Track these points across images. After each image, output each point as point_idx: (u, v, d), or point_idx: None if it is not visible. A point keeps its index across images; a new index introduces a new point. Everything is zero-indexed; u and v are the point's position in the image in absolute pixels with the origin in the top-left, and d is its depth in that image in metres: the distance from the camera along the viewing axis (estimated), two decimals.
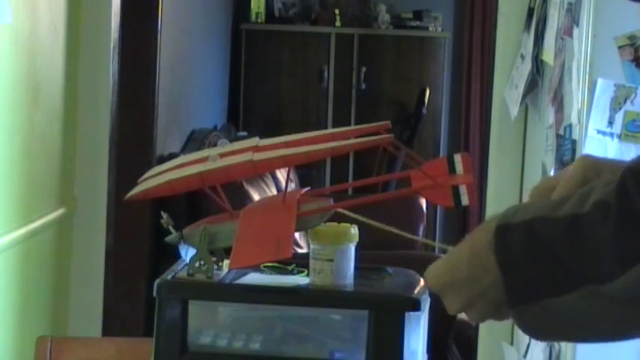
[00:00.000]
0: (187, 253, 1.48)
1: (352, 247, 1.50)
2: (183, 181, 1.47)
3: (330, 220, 1.49)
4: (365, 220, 1.51)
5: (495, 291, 1.16)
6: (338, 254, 1.48)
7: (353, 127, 1.47)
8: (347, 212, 1.50)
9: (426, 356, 1.54)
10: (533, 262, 1.13)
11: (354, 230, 1.50)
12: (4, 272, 2.89)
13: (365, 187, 1.62)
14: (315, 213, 1.48)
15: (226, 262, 1.52)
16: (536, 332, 1.24)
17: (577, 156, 2.50)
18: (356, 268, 1.57)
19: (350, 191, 4.52)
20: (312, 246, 1.48)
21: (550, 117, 2.83)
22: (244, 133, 6.28)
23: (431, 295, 1.53)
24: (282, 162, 1.46)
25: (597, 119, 2.44)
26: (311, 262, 1.49)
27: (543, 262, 1.13)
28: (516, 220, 1.15)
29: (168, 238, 1.49)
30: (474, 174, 1.44)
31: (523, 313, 1.19)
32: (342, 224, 1.50)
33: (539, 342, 2.85)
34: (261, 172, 1.47)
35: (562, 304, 1.16)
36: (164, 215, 1.47)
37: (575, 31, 2.55)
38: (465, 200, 1.44)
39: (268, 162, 1.45)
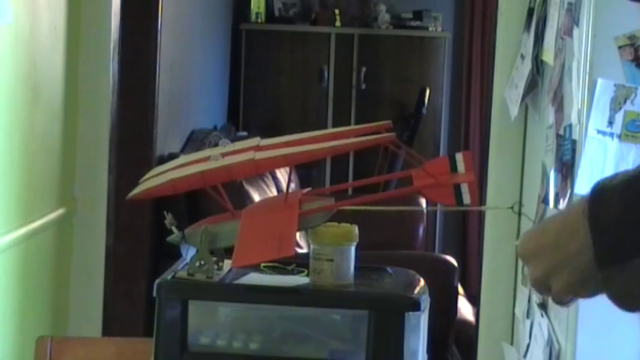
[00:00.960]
0: (188, 252, 1.48)
1: (352, 248, 1.50)
2: (184, 180, 1.47)
3: (331, 219, 1.49)
4: (367, 207, 1.50)
5: (581, 258, 1.13)
6: (338, 254, 1.48)
7: (354, 126, 1.46)
8: (349, 207, 1.50)
9: (426, 356, 1.54)
10: (629, 218, 1.10)
11: (355, 231, 1.50)
12: (4, 272, 2.89)
13: (365, 188, 1.62)
14: (317, 212, 1.48)
15: (227, 261, 1.52)
16: (626, 298, 1.17)
17: (577, 156, 2.50)
18: (356, 268, 1.57)
19: (350, 191, 4.52)
20: (312, 246, 1.48)
21: (550, 117, 2.83)
22: (244, 133, 6.28)
23: (431, 295, 1.53)
24: (283, 161, 1.46)
25: (597, 119, 2.44)
26: (311, 262, 1.48)
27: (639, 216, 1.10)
28: (614, 182, 1.13)
29: (169, 238, 1.49)
30: (475, 173, 1.43)
31: (613, 277, 1.14)
32: (343, 224, 1.50)
33: (538, 343, 2.84)
34: (262, 171, 1.47)
35: None
36: (168, 215, 1.47)
37: (575, 31, 2.55)
38: (466, 199, 1.44)
39: (269, 161, 1.45)
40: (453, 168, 1.44)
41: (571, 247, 1.14)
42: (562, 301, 1.21)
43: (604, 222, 1.12)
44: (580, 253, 1.14)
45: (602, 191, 1.13)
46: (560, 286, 1.17)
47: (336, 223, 1.49)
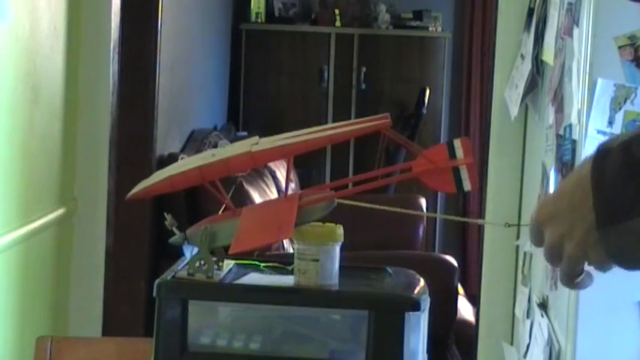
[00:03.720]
0: (192, 253, 1.48)
1: (337, 247, 1.49)
2: (182, 176, 1.47)
3: (331, 218, 1.49)
4: (368, 205, 1.50)
5: (590, 218, 1.13)
6: (323, 254, 1.47)
7: (352, 120, 1.46)
8: (348, 207, 1.50)
9: (426, 356, 1.54)
10: (627, 179, 1.10)
11: (339, 230, 1.50)
12: (4, 272, 2.89)
13: (365, 183, 1.61)
14: (317, 202, 1.48)
15: (227, 262, 1.52)
16: (623, 257, 1.16)
17: (577, 156, 2.50)
18: (356, 268, 1.57)
19: (350, 187, 4.52)
20: (297, 246, 1.48)
21: (550, 117, 2.83)
22: (244, 133, 6.28)
23: (431, 295, 1.52)
24: (280, 152, 1.46)
25: (597, 119, 2.44)
26: (296, 262, 1.48)
27: (637, 178, 1.10)
28: (616, 143, 1.13)
29: (172, 240, 1.49)
30: (474, 157, 1.42)
31: (610, 235, 1.13)
32: (327, 224, 1.50)
33: (538, 343, 2.84)
34: (260, 163, 1.47)
35: None
36: (168, 217, 1.47)
37: (575, 31, 2.55)
38: (467, 185, 1.42)
39: (267, 152, 1.45)
40: (452, 154, 1.43)
41: (584, 207, 1.14)
42: (573, 272, 1.18)
43: (603, 183, 1.12)
44: (590, 213, 1.13)
45: (604, 152, 1.13)
46: (572, 249, 1.16)
47: (320, 223, 1.49)
